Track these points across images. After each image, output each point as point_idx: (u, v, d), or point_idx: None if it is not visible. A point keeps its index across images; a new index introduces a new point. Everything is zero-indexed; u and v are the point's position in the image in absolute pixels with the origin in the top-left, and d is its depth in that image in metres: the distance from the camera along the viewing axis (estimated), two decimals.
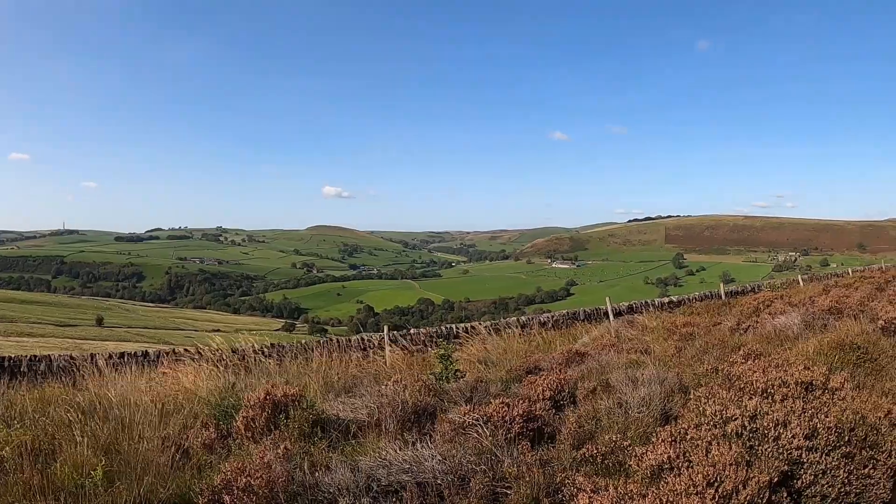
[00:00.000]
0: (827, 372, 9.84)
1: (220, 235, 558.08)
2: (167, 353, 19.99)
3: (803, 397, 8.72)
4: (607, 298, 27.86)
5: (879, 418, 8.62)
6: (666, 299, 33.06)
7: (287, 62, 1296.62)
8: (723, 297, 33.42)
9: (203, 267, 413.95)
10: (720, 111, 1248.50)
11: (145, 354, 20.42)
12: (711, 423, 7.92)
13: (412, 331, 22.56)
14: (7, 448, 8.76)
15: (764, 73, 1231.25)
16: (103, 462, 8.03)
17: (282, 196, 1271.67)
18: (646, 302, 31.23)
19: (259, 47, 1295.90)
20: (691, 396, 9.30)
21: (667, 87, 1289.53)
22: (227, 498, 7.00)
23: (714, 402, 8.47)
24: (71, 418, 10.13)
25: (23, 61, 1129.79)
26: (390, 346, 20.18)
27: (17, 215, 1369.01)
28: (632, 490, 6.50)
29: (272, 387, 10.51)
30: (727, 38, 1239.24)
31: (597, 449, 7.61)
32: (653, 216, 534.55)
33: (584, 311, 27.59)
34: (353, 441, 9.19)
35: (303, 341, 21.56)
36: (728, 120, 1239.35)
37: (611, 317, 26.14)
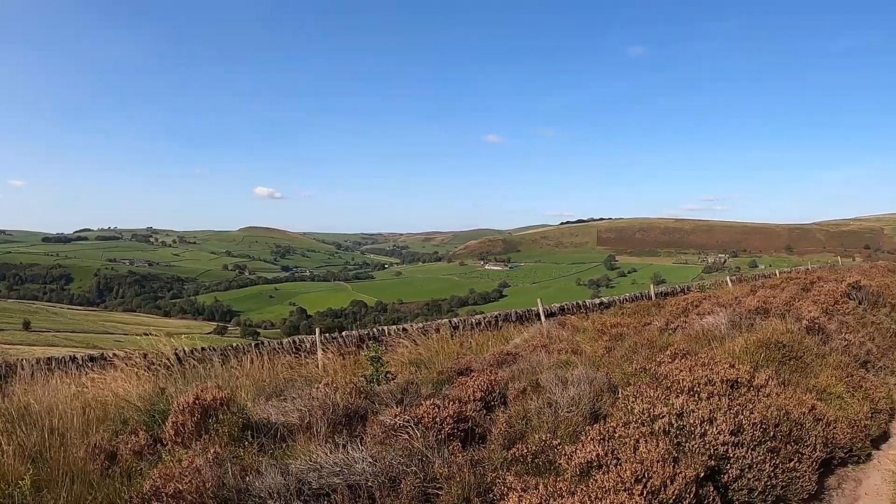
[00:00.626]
0: (752, 370, 10.05)
1: (151, 236, 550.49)
2: (96, 358, 19.72)
3: (729, 395, 8.90)
4: (539, 300, 28.00)
5: (804, 413, 8.84)
6: (597, 300, 33.27)
7: (217, 59, 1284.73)
8: (653, 297, 33.72)
9: (133, 269, 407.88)
10: (650, 115, 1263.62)
11: (73, 359, 20.10)
12: (639, 421, 8.05)
13: (344, 333, 22.48)
14: None
15: (694, 78, 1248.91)
16: (31, 471, 7.93)
17: (213, 196, 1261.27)
18: (577, 303, 31.40)
19: (187, 43, 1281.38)
20: (620, 395, 9.44)
21: (599, 91, 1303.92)
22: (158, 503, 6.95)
23: (642, 400, 8.61)
24: None
25: None
26: (323, 348, 20.09)
27: None
28: (561, 488, 6.57)
29: (202, 391, 10.42)
30: (659, 43, 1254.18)
31: (527, 448, 7.67)
32: (585, 218, 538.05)
33: (517, 313, 27.66)
34: (284, 444, 9.14)
35: (234, 344, 21.41)
36: (659, 124, 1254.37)
37: (542, 318, 26.27)
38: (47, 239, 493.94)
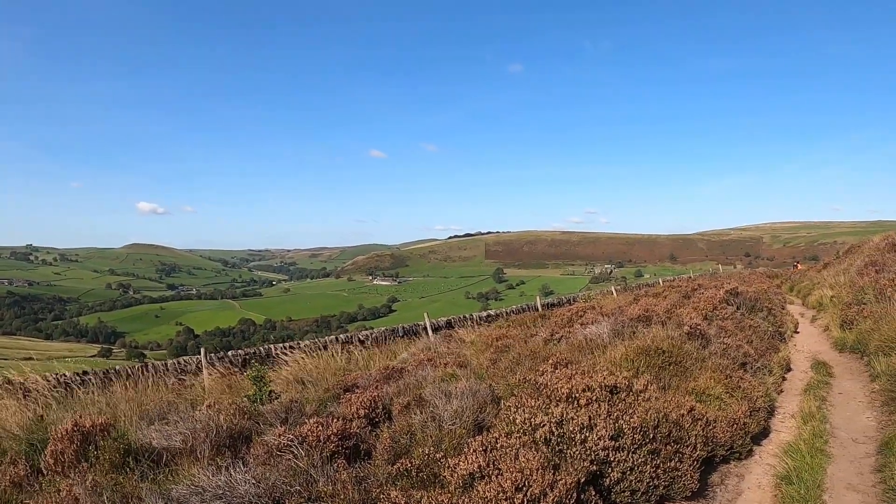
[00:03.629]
0: (631, 375, 10.29)
1: (31, 254, 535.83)
2: None
3: (608, 400, 9.08)
4: (426, 314, 28.13)
5: (683, 415, 9.08)
6: (485, 313, 33.51)
7: (90, 66, 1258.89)
8: (539, 309, 34.16)
9: (12, 289, 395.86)
10: (531, 131, 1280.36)
11: None
12: (521, 430, 8.18)
13: (230, 353, 22.26)
14: None
15: (571, 95, 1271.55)
16: None
17: (95, 212, 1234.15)
18: (464, 316, 31.58)
19: (57, 50, 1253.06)
20: (503, 406, 9.54)
21: (479, 107, 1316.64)
22: None
23: (523, 410, 8.74)
24: None
25: None
26: (208, 369, 19.87)
27: None
28: (444, 500, 6.63)
29: (80, 417, 10.23)
30: (535, 60, 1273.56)
31: (411, 463, 7.71)
32: (472, 232, 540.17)
33: (404, 328, 27.72)
34: (167, 469, 9.03)
35: (116, 367, 21.01)
36: (538, 139, 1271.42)
37: (430, 332, 26.39)
38: None
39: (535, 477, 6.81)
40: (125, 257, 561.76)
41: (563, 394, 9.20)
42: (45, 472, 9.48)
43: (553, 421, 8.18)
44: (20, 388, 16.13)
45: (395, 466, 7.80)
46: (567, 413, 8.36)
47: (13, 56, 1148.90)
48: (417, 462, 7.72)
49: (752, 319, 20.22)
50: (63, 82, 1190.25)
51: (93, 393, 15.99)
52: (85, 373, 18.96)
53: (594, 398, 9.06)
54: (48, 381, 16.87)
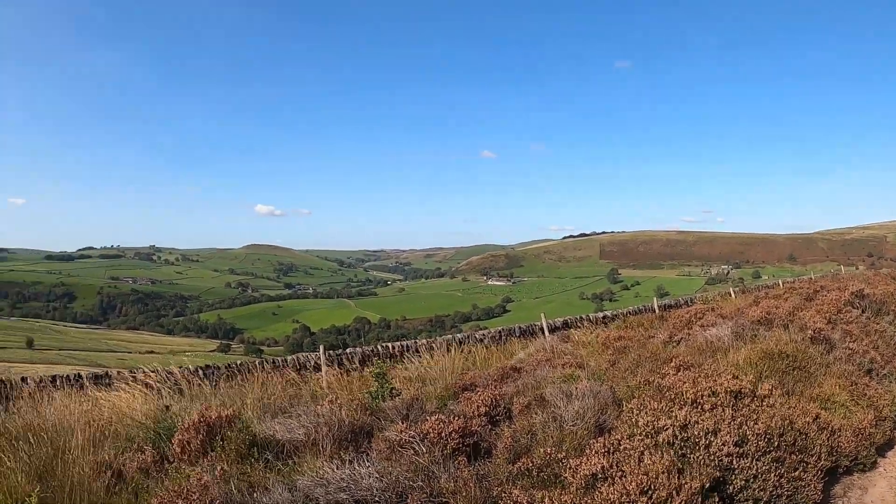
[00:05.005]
0: (755, 380, 10.07)
1: (154, 254, 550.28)
2: (101, 376, 19.74)
3: (732, 405, 8.91)
4: (542, 314, 28.00)
5: (808, 423, 8.86)
6: (601, 314, 33.19)
7: (212, 76, 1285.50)
8: (656, 310, 33.67)
9: (136, 287, 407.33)
10: (641, 129, 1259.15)
11: (78, 377, 20.13)
12: (644, 433, 8.07)
13: (348, 350, 22.48)
14: None
15: (683, 90, 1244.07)
16: (38, 488, 7.95)
17: (215, 214, 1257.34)
18: (581, 317, 31.30)
19: (184, 61, 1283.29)
20: (624, 408, 9.45)
21: (588, 105, 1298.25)
22: None
23: (646, 412, 8.62)
24: (3, 444, 9.99)
25: None
26: (327, 365, 20.09)
27: None
28: (566, 501, 6.60)
29: (206, 409, 10.45)
30: (644, 56, 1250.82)
31: (532, 462, 7.70)
32: (587, 232, 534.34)
33: (520, 328, 27.64)
34: (290, 461, 9.16)
35: (238, 362, 21.42)
36: (651, 136, 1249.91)
37: (546, 332, 26.26)
38: (50, 257, 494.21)
39: (660, 480, 6.73)
40: (244, 257, 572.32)
41: (687, 397, 9.08)
42: (171, 460, 9.73)
43: (677, 425, 8.06)
44: (147, 380, 16.56)
45: (517, 465, 7.79)
46: (691, 417, 8.24)
47: (130, 66, 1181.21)
48: (538, 462, 7.70)
49: (877, 323, 19.58)
50: (180, 90, 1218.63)
51: (217, 386, 16.31)
52: (208, 367, 19.39)
53: (718, 403, 8.91)
54: (173, 373, 17.27)
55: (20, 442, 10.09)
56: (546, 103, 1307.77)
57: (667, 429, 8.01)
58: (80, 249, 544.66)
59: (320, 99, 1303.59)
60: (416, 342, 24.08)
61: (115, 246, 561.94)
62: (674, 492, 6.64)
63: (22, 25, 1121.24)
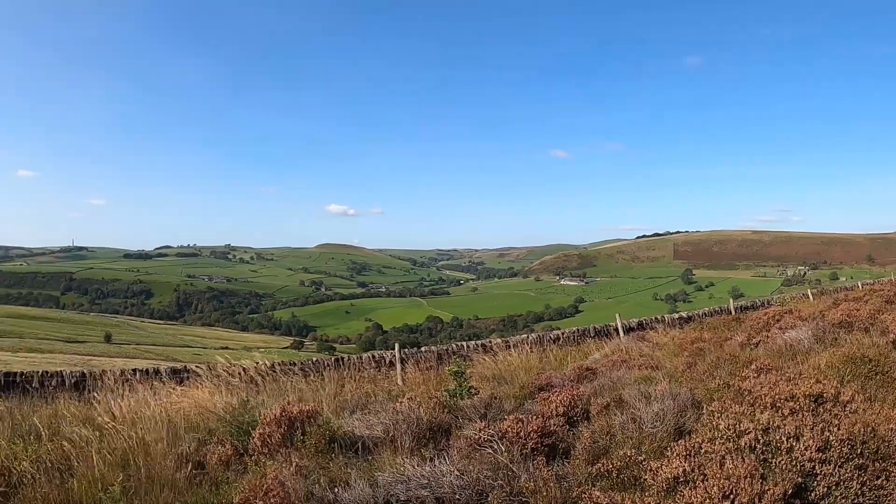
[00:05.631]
0: (838, 385, 9.90)
1: (229, 253, 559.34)
2: (180, 370, 20.05)
3: (814, 410, 8.79)
4: (617, 315, 27.88)
5: (891, 430, 8.69)
6: (676, 315, 32.90)
7: (288, 81, 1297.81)
8: (732, 312, 33.31)
9: (211, 284, 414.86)
10: (714, 125, 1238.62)
11: (157, 371, 20.48)
12: (725, 436, 7.99)
13: (423, 348, 22.59)
14: (25, 462, 8.86)
15: (755, 87, 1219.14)
16: (120, 478, 8.12)
17: (289, 214, 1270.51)
18: (656, 318, 31.10)
19: (256, 66, 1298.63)
20: (704, 411, 9.36)
21: (660, 103, 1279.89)
22: None
23: (727, 416, 8.54)
24: (86, 434, 10.21)
25: (29, 78, 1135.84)
26: (402, 363, 20.21)
27: (27, 231, 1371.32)
28: (648, 503, 6.58)
29: (288, 404, 10.60)
30: (714, 51, 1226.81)
31: (612, 464, 7.67)
32: (661, 232, 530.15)
33: (595, 328, 27.54)
34: (370, 457, 9.25)
35: (314, 359, 21.60)
36: (725, 135, 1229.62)
37: (621, 333, 26.15)
38: (129, 255, 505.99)
39: (742, 485, 6.67)
40: (317, 256, 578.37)
41: (768, 401, 8.98)
42: (250, 453, 9.88)
43: (759, 428, 7.97)
44: (226, 374, 16.79)
45: (596, 467, 7.77)
46: (774, 421, 8.16)
47: (207, 72, 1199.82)
48: (618, 463, 7.67)
49: None
50: (256, 95, 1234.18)
51: (292, 381, 16.46)
52: (283, 363, 19.58)
53: (799, 407, 8.80)
54: (249, 369, 17.47)
55: (103, 432, 10.32)
56: (617, 101, 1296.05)
57: (749, 433, 7.93)
58: (157, 248, 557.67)
59: (392, 99, 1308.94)
60: (490, 341, 24.12)
61: (191, 245, 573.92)
62: (756, 497, 6.58)
63: (105, 35, 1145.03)
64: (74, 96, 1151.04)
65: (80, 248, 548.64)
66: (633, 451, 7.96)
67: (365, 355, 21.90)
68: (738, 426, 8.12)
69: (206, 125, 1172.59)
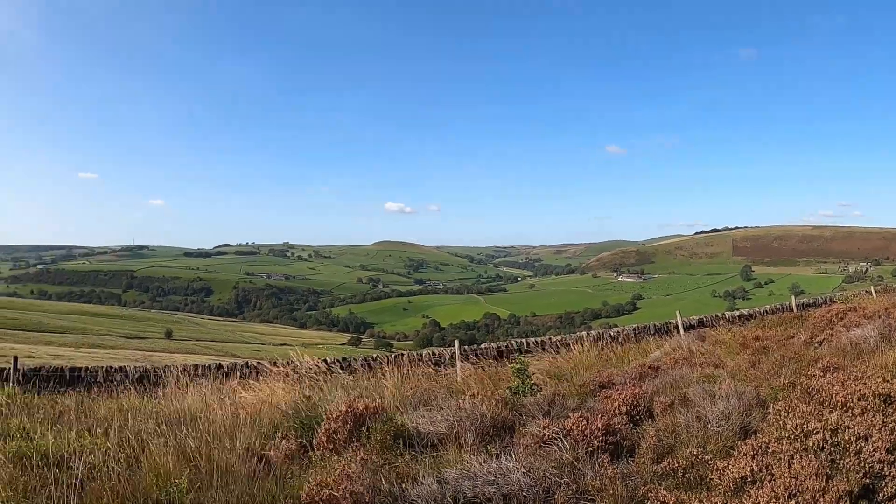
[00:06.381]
0: None
1: (287, 251, 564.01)
2: (241, 366, 20.28)
3: (883, 410, 8.68)
4: (677, 312, 27.69)
5: None
6: (736, 312, 32.60)
7: (344, 80, 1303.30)
8: (794, 309, 32.90)
9: (270, 282, 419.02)
10: (772, 118, 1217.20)
11: (219, 367, 20.75)
12: (792, 436, 7.94)
13: (482, 345, 22.65)
14: (93, 455, 9.00)
15: (812, 80, 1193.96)
16: (187, 471, 8.22)
17: (346, 212, 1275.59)
18: (716, 315, 30.88)
19: (312, 67, 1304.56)
20: (770, 410, 9.28)
21: (716, 96, 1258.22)
22: None
23: (794, 415, 8.48)
24: (153, 428, 10.36)
25: (87, 82, 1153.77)
26: (461, 360, 20.24)
27: (89, 231, 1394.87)
28: (714, 503, 6.55)
29: (353, 400, 10.69)
30: (769, 43, 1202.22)
31: (678, 463, 7.65)
32: (719, 228, 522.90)
33: (655, 326, 27.40)
34: (435, 453, 9.30)
35: (374, 355, 21.73)
36: (783, 129, 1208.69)
37: (681, 331, 25.96)
38: (189, 254, 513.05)
39: (808, 484, 6.63)
40: (375, 254, 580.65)
41: (837, 401, 8.89)
42: (315, 449, 10.01)
43: (828, 429, 7.91)
44: (287, 370, 16.95)
45: (661, 465, 7.76)
46: (842, 421, 8.07)
47: (264, 74, 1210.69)
48: (684, 462, 7.65)
49: None
50: (312, 95, 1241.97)
51: (356, 378, 16.56)
52: (345, 359, 19.74)
53: (869, 407, 8.70)
54: (311, 365, 17.59)
55: (169, 426, 10.46)
56: (671, 96, 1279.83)
57: (816, 433, 7.86)
58: (216, 246, 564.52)
59: (448, 96, 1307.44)
60: (549, 338, 24.11)
61: (250, 243, 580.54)
62: (821, 496, 6.53)
63: (162, 37, 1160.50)
64: (133, 99, 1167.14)
65: (141, 247, 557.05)
66: (699, 450, 7.93)
67: (424, 352, 22.01)
68: (805, 426, 8.06)
69: (265, 125, 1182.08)
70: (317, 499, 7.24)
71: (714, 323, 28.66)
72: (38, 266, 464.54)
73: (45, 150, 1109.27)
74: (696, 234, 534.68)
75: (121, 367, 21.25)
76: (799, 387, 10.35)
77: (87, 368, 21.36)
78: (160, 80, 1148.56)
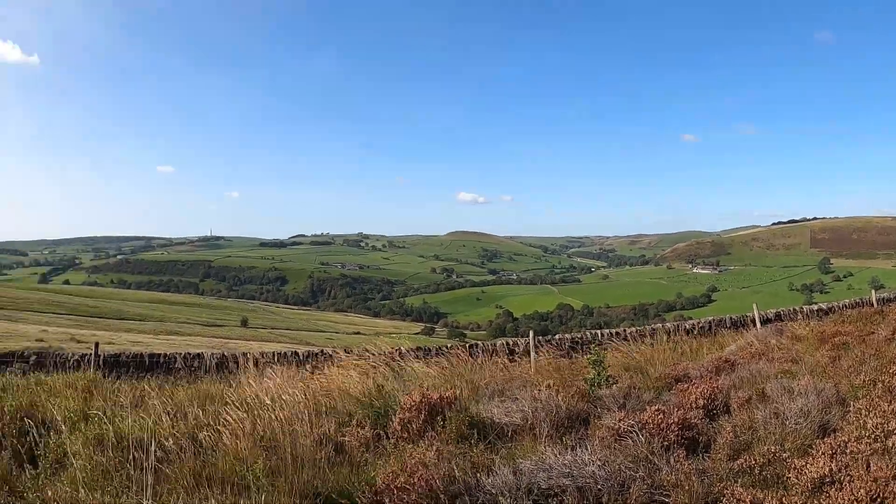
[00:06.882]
0: None
1: (362, 241, 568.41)
2: (316, 354, 20.46)
3: None
4: (754, 305, 27.36)
5: None
6: (815, 306, 32.03)
7: (418, 72, 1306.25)
8: (874, 304, 32.30)
9: (344, 271, 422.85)
10: (848, 106, 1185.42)
11: (295, 354, 20.97)
12: (872, 436, 7.79)
13: (556, 336, 22.58)
14: (173, 439, 9.18)
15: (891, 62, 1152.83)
16: (263, 456, 8.35)
17: (420, 203, 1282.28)
18: (793, 309, 30.39)
19: (385, 58, 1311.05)
20: (850, 409, 9.13)
21: (790, 82, 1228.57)
22: (388, 496, 7.20)
23: (875, 414, 8.32)
24: (228, 413, 10.51)
25: (165, 77, 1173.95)
26: (535, 351, 20.19)
27: (167, 223, 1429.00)
28: (792, 503, 6.46)
29: (428, 389, 10.74)
30: (845, 27, 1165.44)
31: (754, 460, 7.56)
32: (797, 218, 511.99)
33: (731, 319, 27.08)
34: (509, 444, 9.33)
35: (448, 345, 21.79)
36: (859, 115, 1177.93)
37: (758, 324, 25.62)
38: (264, 244, 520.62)
39: (891, 488, 6.50)
40: (449, 244, 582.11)
41: None
42: (389, 437, 10.12)
43: None
44: (362, 358, 17.05)
45: (737, 462, 7.67)
46: None
47: (338, 68, 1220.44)
48: (761, 460, 7.56)
49: None
50: (386, 87, 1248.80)
51: (430, 367, 16.59)
52: (419, 348, 19.82)
53: None
54: (385, 353, 17.67)
55: (245, 412, 10.62)
56: (745, 82, 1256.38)
57: None
58: (292, 237, 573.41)
59: (518, 87, 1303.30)
60: (624, 329, 23.97)
61: (324, 233, 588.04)
62: None
63: (235, 31, 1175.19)
64: (208, 94, 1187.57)
65: (218, 238, 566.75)
66: (776, 447, 7.82)
67: (499, 342, 22.03)
68: (886, 425, 7.90)
69: (339, 116, 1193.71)
70: (392, 486, 7.29)
71: (791, 317, 28.23)
72: (119, 256, 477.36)
73: (126, 145, 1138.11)
74: (773, 224, 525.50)
75: (198, 354, 21.62)
76: (880, 385, 10.16)
77: (165, 355, 21.80)
78: (235, 75, 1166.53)
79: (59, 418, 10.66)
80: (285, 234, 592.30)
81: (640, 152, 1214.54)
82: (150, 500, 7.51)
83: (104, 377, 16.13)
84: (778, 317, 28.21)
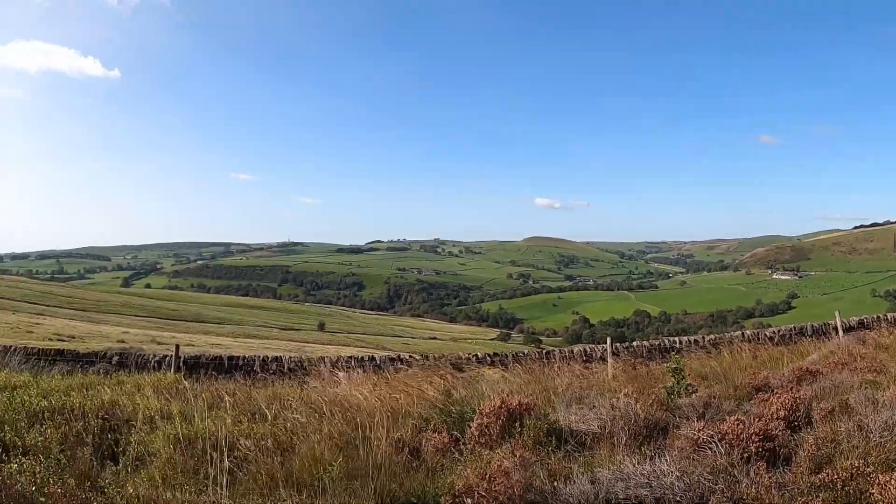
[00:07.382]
0: None
1: (438, 247, 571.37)
2: (393, 360, 20.60)
3: None
4: (837, 312, 26.86)
5: None
6: None
7: (492, 75, 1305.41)
8: None
9: (421, 277, 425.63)
10: None
11: (372, 359, 21.14)
12: None
13: (634, 343, 22.47)
14: (250, 440, 9.31)
15: None
16: (339, 459, 8.41)
17: (496, 209, 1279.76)
18: (877, 317, 29.71)
19: (463, 62, 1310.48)
20: None
21: (870, 78, 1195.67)
22: (468, 501, 7.21)
23: None
24: (307, 416, 10.63)
25: (241, 86, 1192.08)
26: (613, 358, 20.09)
27: (246, 230, 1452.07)
28: None
29: (507, 395, 10.76)
30: None
31: (836, 474, 7.41)
32: (880, 221, 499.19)
33: (812, 326, 26.64)
34: (587, 452, 9.29)
35: (524, 350, 21.80)
36: None
37: (840, 333, 25.16)
38: (341, 250, 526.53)
39: None
40: (525, 250, 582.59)
41: None
42: (466, 443, 10.14)
43: None
44: (438, 364, 17.13)
45: (819, 476, 7.53)
46: None
47: (411, 72, 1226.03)
48: (843, 474, 7.41)
49: None
50: (462, 92, 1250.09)
51: (507, 373, 16.59)
52: (496, 354, 19.86)
53: None
54: (457, 360, 17.74)
55: (322, 415, 10.74)
56: (821, 80, 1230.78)
57: None
58: (368, 243, 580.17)
59: (596, 90, 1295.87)
60: (702, 337, 23.77)
61: (401, 239, 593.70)
62: None
63: (315, 39, 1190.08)
64: (283, 101, 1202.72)
65: (296, 244, 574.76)
66: (860, 461, 7.66)
67: (576, 349, 22.01)
68: None
69: (414, 122, 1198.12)
70: (473, 491, 7.31)
71: (875, 325, 27.66)
72: (198, 262, 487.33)
73: (203, 153, 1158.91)
74: (855, 228, 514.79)
75: (276, 357, 21.96)
76: None
77: (244, 357, 22.17)
78: (308, 82, 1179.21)
79: (139, 417, 10.95)
80: (362, 241, 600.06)
81: (717, 154, 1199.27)
82: (227, 500, 7.62)
83: (184, 378, 16.42)
84: (861, 325, 27.67)
